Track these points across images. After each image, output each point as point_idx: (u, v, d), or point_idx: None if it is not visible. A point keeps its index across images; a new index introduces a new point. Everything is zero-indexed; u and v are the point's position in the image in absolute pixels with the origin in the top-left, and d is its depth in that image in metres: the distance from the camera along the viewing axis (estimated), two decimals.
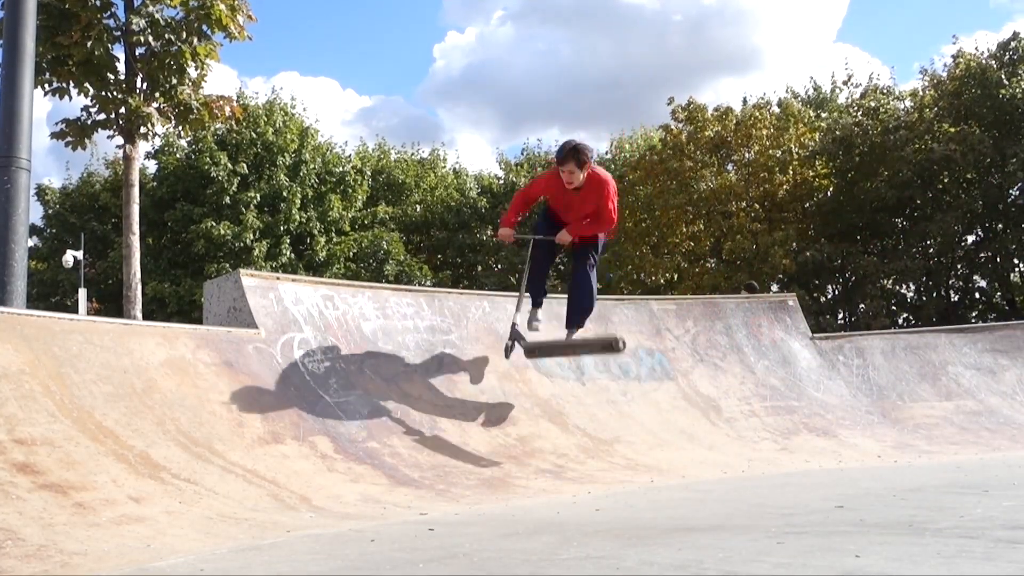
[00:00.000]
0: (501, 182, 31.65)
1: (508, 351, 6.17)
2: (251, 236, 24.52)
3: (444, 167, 33.30)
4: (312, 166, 26.73)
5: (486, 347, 6.81)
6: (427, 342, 6.51)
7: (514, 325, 6.16)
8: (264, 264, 24.24)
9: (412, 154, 32.86)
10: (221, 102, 11.51)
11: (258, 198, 25.16)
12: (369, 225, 28.34)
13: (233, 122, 11.91)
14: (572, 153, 5.73)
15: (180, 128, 11.73)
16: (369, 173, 30.09)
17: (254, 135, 25.19)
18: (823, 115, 25.72)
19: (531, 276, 6.26)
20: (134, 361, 4.82)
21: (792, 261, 21.49)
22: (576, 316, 6.28)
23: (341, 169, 28.06)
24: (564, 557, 2.83)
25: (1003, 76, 20.65)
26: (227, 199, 24.92)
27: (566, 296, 6.46)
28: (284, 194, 25.37)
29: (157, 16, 10.58)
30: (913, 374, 8.37)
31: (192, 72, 11.02)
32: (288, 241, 25.43)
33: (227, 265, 23.85)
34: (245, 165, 25.37)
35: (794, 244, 22.29)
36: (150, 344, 5.03)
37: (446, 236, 30.31)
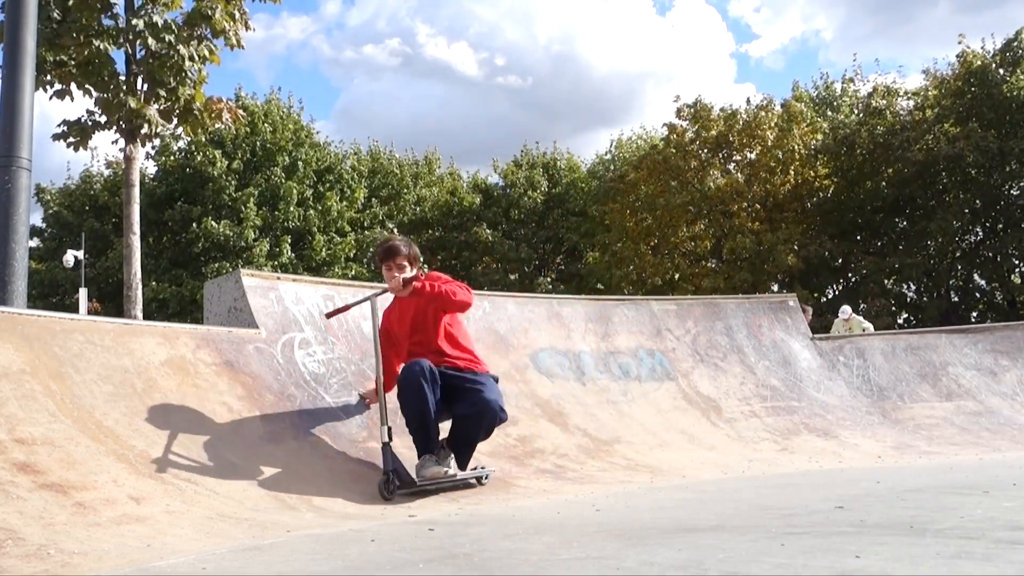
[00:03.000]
0: (499, 184, 31.75)
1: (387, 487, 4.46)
2: (251, 235, 24.53)
3: (439, 169, 33.37)
4: (310, 164, 26.75)
5: (486, 347, 6.81)
6: None
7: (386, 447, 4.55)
8: (265, 263, 24.24)
9: (408, 158, 32.92)
10: (220, 105, 11.52)
11: (256, 194, 25.17)
12: (369, 225, 28.37)
13: (231, 123, 11.92)
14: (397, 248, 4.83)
15: (180, 129, 11.75)
16: (365, 173, 30.14)
17: (247, 131, 25.18)
18: (830, 114, 25.64)
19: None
20: (135, 361, 4.82)
21: (797, 258, 21.47)
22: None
23: (339, 167, 28.11)
24: (564, 557, 2.82)
25: (1005, 74, 20.63)
26: (226, 197, 24.94)
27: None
28: (282, 192, 25.40)
29: (156, 19, 10.58)
30: (913, 375, 8.36)
31: (191, 74, 11.03)
32: (288, 240, 25.44)
33: (227, 264, 23.86)
34: (241, 163, 25.40)
35: (795, 245, 22.28)
36: (151, 344, 5.03)
37: (442, 235, 30.37)
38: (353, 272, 26.15)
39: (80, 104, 11.27)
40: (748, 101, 26.98)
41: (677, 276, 22.90)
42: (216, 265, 23.88)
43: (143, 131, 10.94)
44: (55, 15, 10.26)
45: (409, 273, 4.81)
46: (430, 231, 30.63)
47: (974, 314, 22.99)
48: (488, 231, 29.42)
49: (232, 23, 10.98)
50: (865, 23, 79.09)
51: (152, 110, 10.81)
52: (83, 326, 4.88)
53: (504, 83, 76.51)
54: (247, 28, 11.32)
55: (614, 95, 78.55)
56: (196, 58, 10.86)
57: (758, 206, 22.91)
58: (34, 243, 27.79)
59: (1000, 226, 22.36)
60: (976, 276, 23.47)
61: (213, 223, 24.14)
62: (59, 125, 11.06)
